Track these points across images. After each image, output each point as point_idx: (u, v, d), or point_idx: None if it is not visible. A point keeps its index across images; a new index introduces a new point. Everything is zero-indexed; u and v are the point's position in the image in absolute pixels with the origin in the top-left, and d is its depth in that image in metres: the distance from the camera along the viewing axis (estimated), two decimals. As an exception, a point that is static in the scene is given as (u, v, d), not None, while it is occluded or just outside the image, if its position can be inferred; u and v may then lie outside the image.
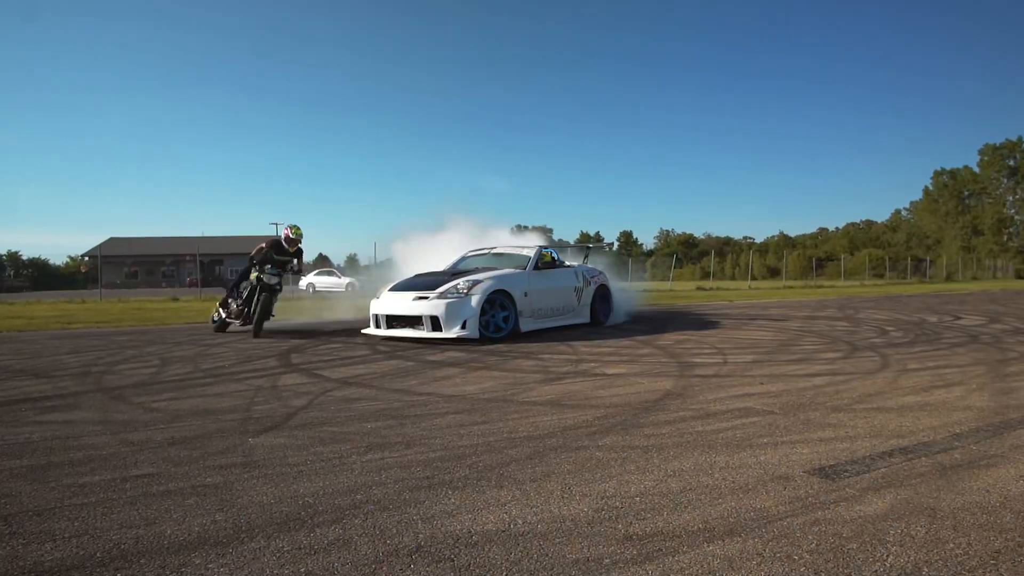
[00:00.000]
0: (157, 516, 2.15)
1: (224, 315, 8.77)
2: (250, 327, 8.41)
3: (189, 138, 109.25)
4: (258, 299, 8.33)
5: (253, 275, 8.47)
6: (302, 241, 8.82)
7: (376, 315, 7.79)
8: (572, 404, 3.91)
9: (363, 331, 8.08)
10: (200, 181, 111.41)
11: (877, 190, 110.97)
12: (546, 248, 9.36)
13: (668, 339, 7.57)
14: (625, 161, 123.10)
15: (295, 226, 8.72)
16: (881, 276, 46.08)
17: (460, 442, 3.04)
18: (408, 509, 2.19)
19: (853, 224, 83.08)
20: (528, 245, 9.50)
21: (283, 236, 8.73)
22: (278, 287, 8.50)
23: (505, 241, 10.76)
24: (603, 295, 9.54)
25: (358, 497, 2.31)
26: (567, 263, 9.68)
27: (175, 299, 19.68)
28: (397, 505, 2.23)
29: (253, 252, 8.52)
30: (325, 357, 6.25)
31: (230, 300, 8.79)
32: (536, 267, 8.44)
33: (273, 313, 8.70)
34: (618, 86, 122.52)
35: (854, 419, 3.41)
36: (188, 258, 43.61)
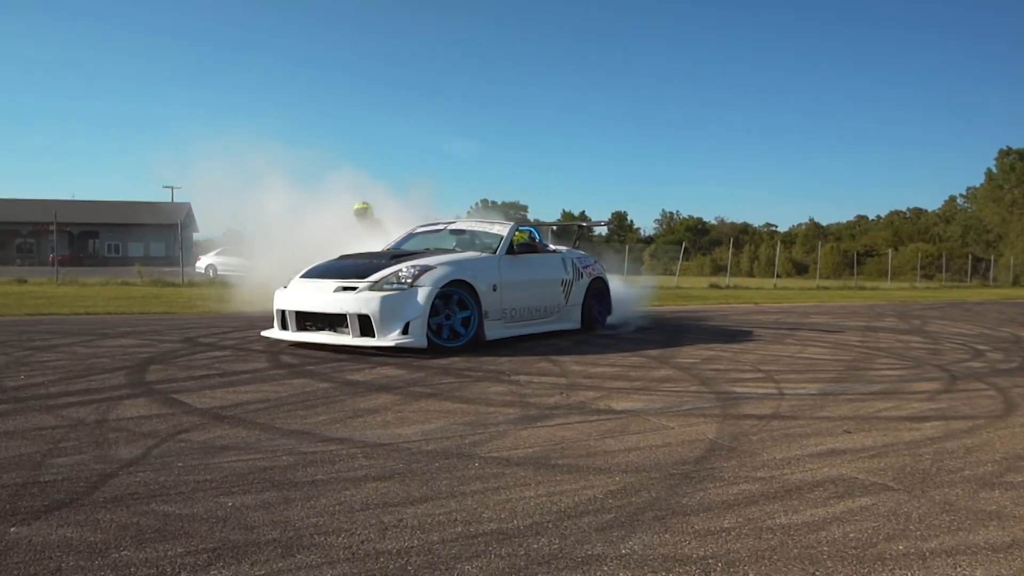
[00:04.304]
0: None
1: None
2: None
3: (57, 79, 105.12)
4: None
5: None
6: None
7: (282, 311, 6.91)
8: (567, 464, 3.11)
9: (263, 333, 7.17)
10: (72, 131, 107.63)
11: (928, 172, 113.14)
12: (524, 227, 8.62)
13: (690, 355, 6.87)
14: (617, 124, 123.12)
15: None
16: (932, 277, 46.53)
17: (380, 544, 2.19)
18: None
19: (898, 213, 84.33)
20: (499, 221, 8.75)
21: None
22: None
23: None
24: (599, 291, 8.88)
25: None
26: (552, 247, 8.97)
27: (22, 281, 18.37)
28: None
29: None
30: (198, 372, 5.34)
31: None
32: (510, 251, 7.67)
33: None
34: (611, 30, 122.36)
35: None
36: (52, 228, 41.59)
